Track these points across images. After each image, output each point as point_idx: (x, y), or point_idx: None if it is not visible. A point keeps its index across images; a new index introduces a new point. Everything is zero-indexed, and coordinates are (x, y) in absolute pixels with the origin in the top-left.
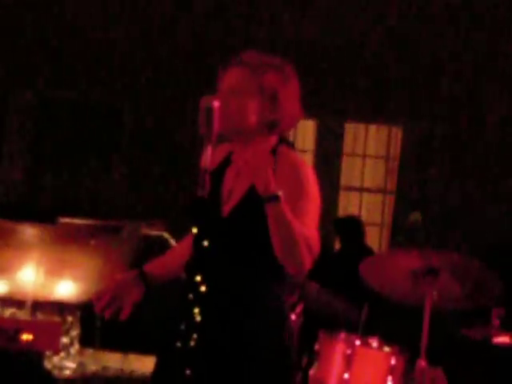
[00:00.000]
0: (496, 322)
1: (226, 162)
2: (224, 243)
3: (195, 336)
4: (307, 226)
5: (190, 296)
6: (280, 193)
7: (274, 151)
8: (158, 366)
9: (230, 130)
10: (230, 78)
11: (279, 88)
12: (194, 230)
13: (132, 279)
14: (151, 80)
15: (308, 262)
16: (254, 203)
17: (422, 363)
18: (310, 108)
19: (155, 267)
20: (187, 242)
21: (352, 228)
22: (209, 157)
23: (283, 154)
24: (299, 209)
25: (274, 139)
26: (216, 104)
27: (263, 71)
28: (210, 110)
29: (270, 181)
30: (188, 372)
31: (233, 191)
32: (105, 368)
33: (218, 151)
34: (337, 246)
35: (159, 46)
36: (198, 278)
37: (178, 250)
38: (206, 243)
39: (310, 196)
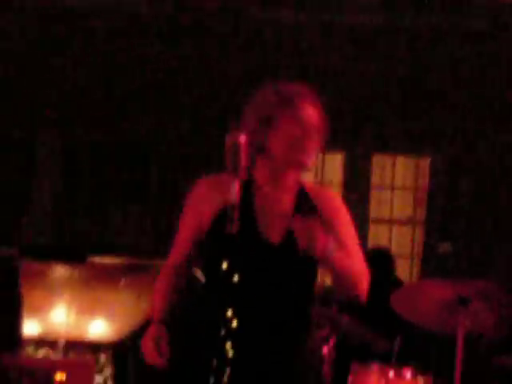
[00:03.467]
0: None
1: (248, 195)
2: (259, 276)
3: (228, 371)
4: (357, 252)
5: (222, 332)
6: (332, 248)
7: (302, 189)
8: None
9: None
10: (314, 116)
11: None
12: (225, 266)
13: (162, 336)
14: (178, 121)
15: (367, 288)
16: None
17: None
18: (337, 141)
19: (165, 313)
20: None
21: (382, 260)
22: (237, 192)
23: (314, 190)
24: (348, 238)
25: (296, 175)
26: (243, 139)
27: (324, 116)
28: (237, 146)
29: (326, 245)
30: None
31: (271, 225)
32: None
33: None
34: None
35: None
36: (229, 314)
37: (166, 286)
38: (236, 278)
39: (350, 222)
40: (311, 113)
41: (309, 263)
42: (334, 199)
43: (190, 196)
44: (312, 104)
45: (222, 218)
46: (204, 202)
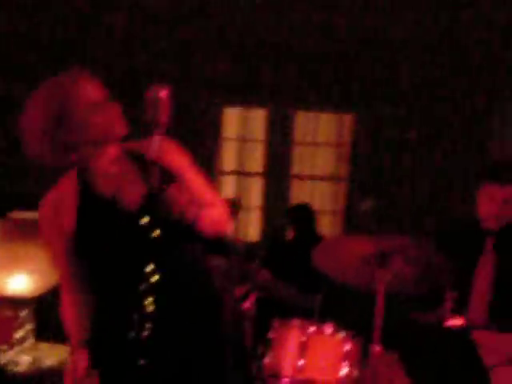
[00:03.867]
0: (449, 305)
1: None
2: (169, 231)
3: (149, 326)
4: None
5: (142, 287)
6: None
7: (133, 152)
8: (107, 357)
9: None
10: (92, 93)
11: None
12: (145, 220)
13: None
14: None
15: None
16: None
17: (376, 348)
18: (260, 97)
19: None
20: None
21: (303, 216)
22: (157, 147)
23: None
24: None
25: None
26: (164, 94)
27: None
28: (158, 100)
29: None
30: (142, 362)
31: (126, 195)
32: (61, 362)
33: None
34: (290, 234)
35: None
36: (150, 268)
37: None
38: (156, 233)
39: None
40: (89, 90)
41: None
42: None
43: (41, 223)
44: (87, 82)
45: (84, 213)
46: (58, 218)
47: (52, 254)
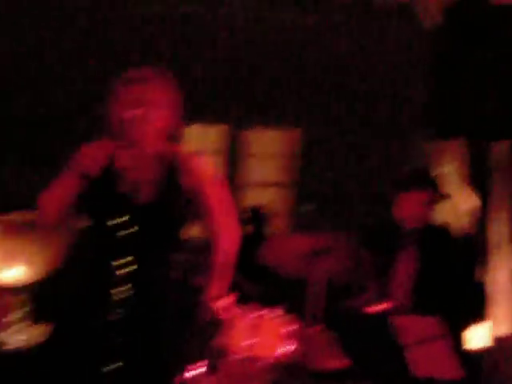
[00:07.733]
0: (372, 293)
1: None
2: (149, 228)
3: (125, 309)
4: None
5: (117, 275)
6: None
7: (170, 159)
8: (81, 338)
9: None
10: (150, 94)
11: None
12: (121, 219)
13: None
14: None
15: None
16: (168, 191)
17: (316, 327)
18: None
19: None
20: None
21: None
22: (126, 159)
23: (183, 159)
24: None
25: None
26: (138, 113)
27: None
28: (134, 120)
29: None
30: (118, 341)
31: (142, 183)
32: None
33: (94, 150)
34: None
35: None
36: (127, 259)
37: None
38: (134, 228)
39: (217, 183)
40: (150, 92)
41: (175, 218)
42: (200, 167)
43: (76, 154)
44: (153, 83)
45: (106, 178)
46: (89, 160)
47: (63, 175)
